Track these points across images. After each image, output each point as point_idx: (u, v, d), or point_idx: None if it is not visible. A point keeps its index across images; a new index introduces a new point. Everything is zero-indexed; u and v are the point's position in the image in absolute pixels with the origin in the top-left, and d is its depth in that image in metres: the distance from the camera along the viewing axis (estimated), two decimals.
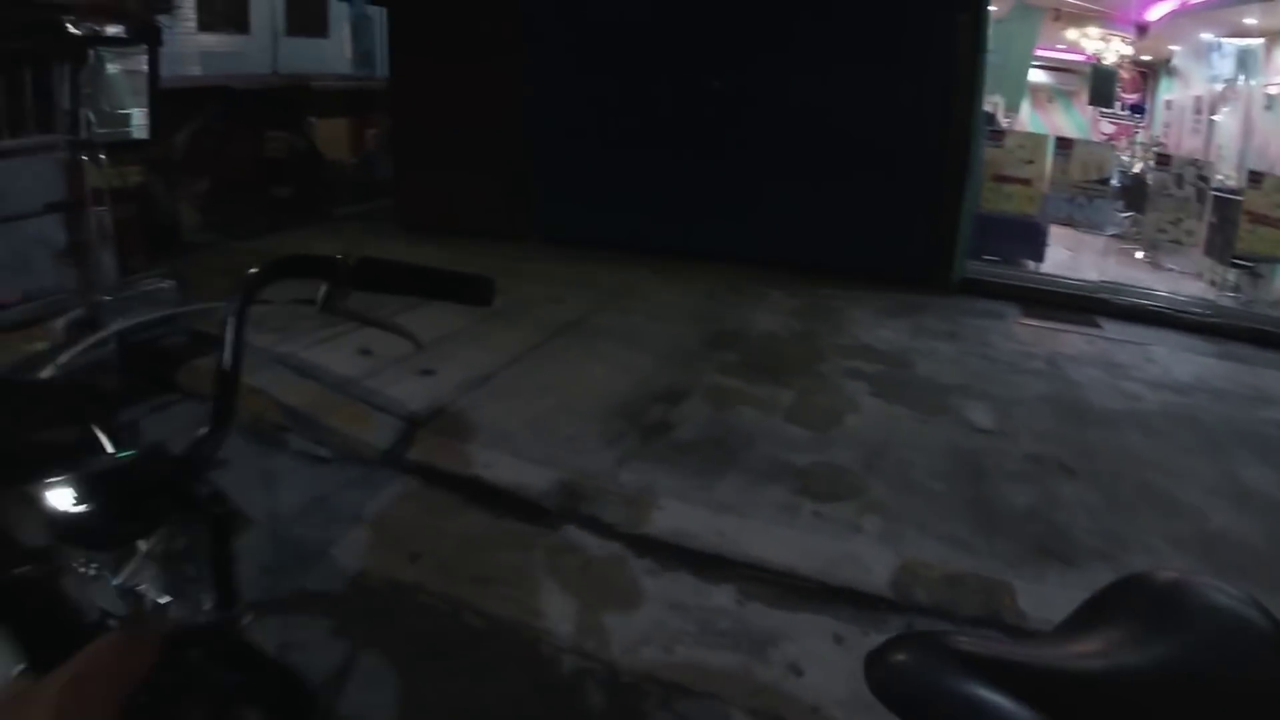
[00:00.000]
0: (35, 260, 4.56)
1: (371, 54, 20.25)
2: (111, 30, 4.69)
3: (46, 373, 4.18)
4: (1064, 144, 7.80)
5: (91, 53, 4.57)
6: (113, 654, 0.69)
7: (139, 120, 4.88)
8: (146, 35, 4.95)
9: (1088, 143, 9.41)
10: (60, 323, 4.55)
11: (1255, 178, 7.21)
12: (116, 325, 4.51)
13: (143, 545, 1.06)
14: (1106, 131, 13.42)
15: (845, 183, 6.90)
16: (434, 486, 3.59)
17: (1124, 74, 12.60)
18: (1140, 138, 12.72)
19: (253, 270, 1.13)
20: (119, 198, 4.71)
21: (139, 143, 4.91)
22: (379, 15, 19.45)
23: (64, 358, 4.28)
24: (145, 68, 4.87)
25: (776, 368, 4.90)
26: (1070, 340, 5.90)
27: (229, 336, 1.06)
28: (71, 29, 4.42)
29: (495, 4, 7.65)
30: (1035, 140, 7.97)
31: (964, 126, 6.72)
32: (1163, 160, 8.79)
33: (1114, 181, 8.13)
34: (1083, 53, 12.41)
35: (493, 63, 7.70)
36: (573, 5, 7.46)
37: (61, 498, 0.87)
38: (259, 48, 17.62)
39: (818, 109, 6.90)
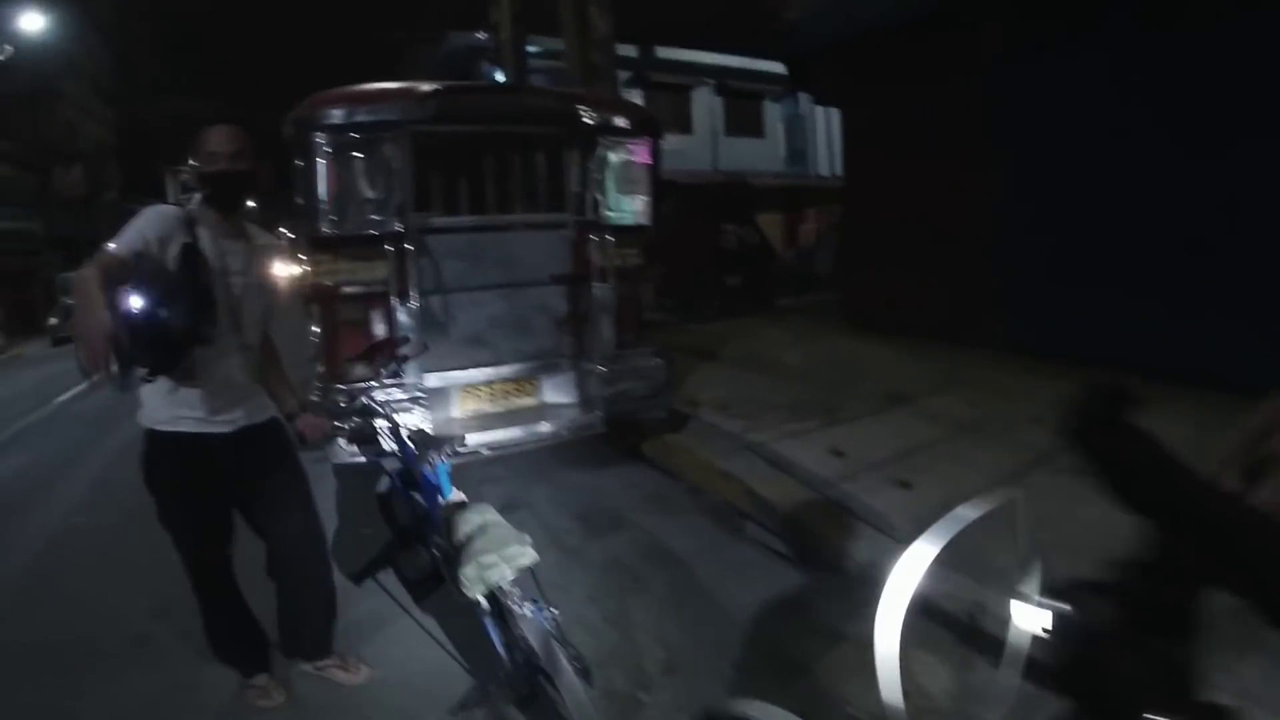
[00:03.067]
0: (536, 325, 4.95)
1: (804, 152, 21.33)
2: (619, 121, 4.99)
3: (544, 430, 4.64)
4: None
5: (600, 141, 4.87)
6: None
7: (639, 207, 5.11)
8: (649, 128, 5.22)
9: None
10: (545, 382, 4.97)
11: None
12: (606, 393, 4.78)
13: None
14: None
15: None
16: (930, 620, 3.24)
17: None
18: None
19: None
20: (620, 277, 4.91)
21: (639, 228, 5.11)
22: (813, 115, 20.57)
23: (559, 425, 4.71)
24: (646, 159, 5.12)
25: None
26: None
27: None
28: (586, 118, 4.76)
29: (965, 107, 7.28)
30: None
31: None
32: None
33: None
34: None
35: (959, 163, 7.23)
36: (1055, 110, 6.78)
37: None
38: (700, 146, 19.53)
39: None
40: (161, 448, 2.48)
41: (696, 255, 10.96)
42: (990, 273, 7.20)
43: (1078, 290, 6.57)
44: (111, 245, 2.22)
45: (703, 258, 11.09)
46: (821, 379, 6.46)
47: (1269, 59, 5.27)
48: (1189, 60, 5.77)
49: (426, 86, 4.29)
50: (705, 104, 19.66)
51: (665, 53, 17.60)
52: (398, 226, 4.26)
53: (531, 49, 10.87)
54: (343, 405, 2.85)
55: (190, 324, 2.30)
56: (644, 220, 5.12)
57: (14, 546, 4.46)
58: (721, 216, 12.40)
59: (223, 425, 2.50)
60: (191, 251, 2.36)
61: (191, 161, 2.47)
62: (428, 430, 2.35)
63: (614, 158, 4.94)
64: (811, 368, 6.97)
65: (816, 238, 16.02)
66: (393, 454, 2.12)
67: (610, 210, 4.94)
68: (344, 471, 2.06)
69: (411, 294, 4.33)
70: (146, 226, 2.31)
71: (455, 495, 2.17)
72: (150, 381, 2.32)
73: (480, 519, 1.98)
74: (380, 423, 2.25)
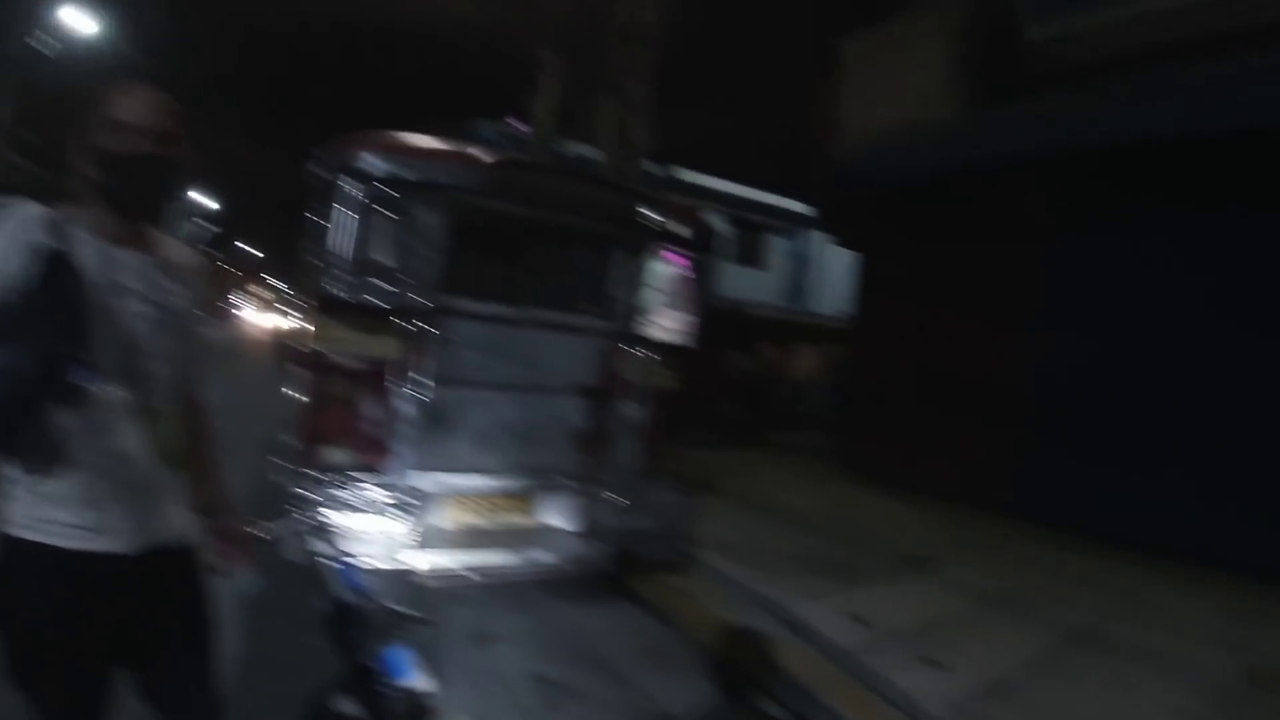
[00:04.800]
0: (549, 437, 4.47)
1: (803, 288, 21.75)
2: (679, 230, 4.58)
3: (541, 559, 4.15)
4: None
5: (656, 248, 4.48)
6: None
7: (684, 326, 4.71)
8: (706, 243, 4.88)
9: None
10: (549, 502, 4.44)
11: None
12: (618, 525, 4.33)
13: None
14: None
15: None
16: None
17: None
18: None
19: None
20: (653, 399, 4.52)
21: (680, 349, 4.70)
22: (817, 253, 21.08)
23: (559, 554, 4.24)
24: (698, 275, 4.76)
25: None
26: None
27: None
28: (645, 220, 4.37)
29: (1007, 271, 7.30)
30: None
31: None
32: None
33: None
34: None
35: (993, 326, 7.20)
36: (1102, 284, 6.81)
37: None
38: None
39: None
40: (23, 563, 1.56)
41: (698, 377, 10.82)
42: (1014, 439, 7.06)
43: (1102, 467, 6.46)
44: None
45: (701, 381, 10.94)
46: (831, 531, 6.17)
47: None
48: (1238, 247, 5.91)
49: (488, 155, 3.94)
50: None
51: (685, 174, 18.06)
52: (418, 303, 3.86)
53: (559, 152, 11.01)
54: (307, 495, 2.34)
55: (47, 371, 1.48)
56: (687, 341, 4.73)
57: None
58: (723, 343, 12.35)
59: (114, 541, 1.60)
60: (60, 264, 1.51)
61: (87, 136, 1.60)
62: (391, 605, 1.78)
63: (662, 267, 4.56)
64: (819, 516, 6.67)
65: (811, 374, 16.00)
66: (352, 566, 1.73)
67: (653, 324, 4.55)
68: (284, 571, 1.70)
69: (417, 381, 3.91)
70: None
71: (419, 681, 1.67)
72: None
73: None
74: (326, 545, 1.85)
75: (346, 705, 1.62)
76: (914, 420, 7.96)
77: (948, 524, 6.65)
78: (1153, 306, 6.45)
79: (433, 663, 1.79)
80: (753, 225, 20.59)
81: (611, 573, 4.53)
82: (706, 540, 5.43)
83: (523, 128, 11.07)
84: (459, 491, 4.25)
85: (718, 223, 19.74)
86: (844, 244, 11.19)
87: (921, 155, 7.76)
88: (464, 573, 3.93)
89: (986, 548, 5.98)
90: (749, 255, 21.14)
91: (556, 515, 4.54)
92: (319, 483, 2.24)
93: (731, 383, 11.51)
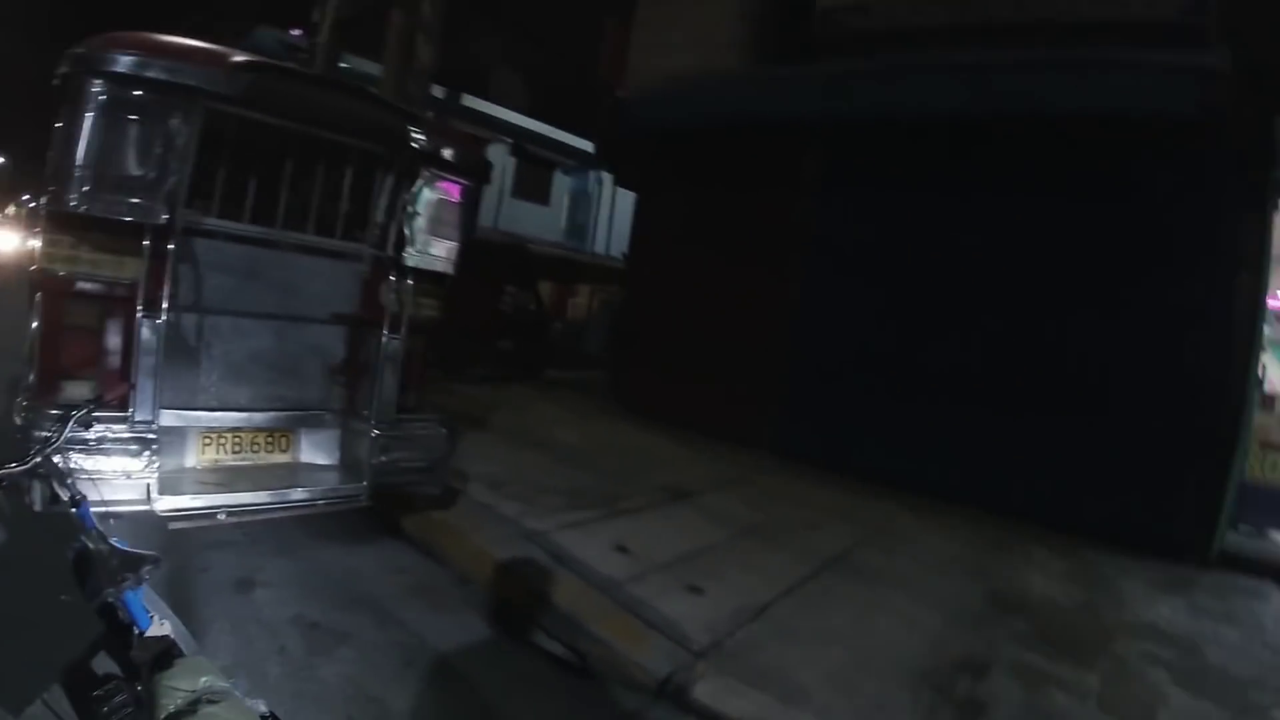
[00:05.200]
0: (305, 369, 4.21)
1: (586, 227, 21.81)
2: (449, 154, 4.24)
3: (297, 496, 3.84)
4: None
5: (423, 172, 4.16)
6: None
7: (447, 254, 4.39)
8: (478, 171, 4.62)
9: None
10: (305, 438, 4.17)
11: None
12: (377, 460, 4.03)
13: None
14: None
15: (1112, 442, 6.20)
16: None
17: None
18: None
19: None
20: (414, 328, 4.25)
21: (443, 277, 4.43)
22: (600, 193, 21.16)
23: (315, 492, 3.91)
24: (466, 202, 4.45)
25: (1072, 644, 4.17)
26: None
27: None
28: (415, 142, 4.01)
29: (776, 218, 7.71)
30: None
31: (1240, 389, 6.04)
32: None
33: None
34: None
35: (762, 271, 7.66)
36: (856, 238, 7.41)
37: None
38: (485, 202, 19.24)
39: (1094, 364, 6.33)
40: None
41: (471, 313, 10.46)
42: (775, 379, 7.57)
43: (855, 408, 7.15)
44: None
45: (478, 316, 10.60)
46: (599, 464, 6.27)
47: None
48: (976, 215, 6.73)
49: (242, 57, 3.44)
50: (498, 161, 19.45)
51: (470, 101, 17.22)
52: (164, 218, 3.33)
53: (342, 65, 10.03)
54: (46, 433, 2.01)
55: None
56: (449, 269, 4.45)
57: None
58: (499, 276, 12.05)
59: None
60: None
61: None
62: (119, 545, 1.59)
63: (431, 194, 4.26)
64: (588, 450, 6.76)
65: (589, 314, 16.18)
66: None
67: (416, 251, 4.23)
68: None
69: (164, 306, 3.40)
70: None
71: (156, 627, 1.49)
72: None
73: (195, 682, 1.32)
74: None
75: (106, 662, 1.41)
76: (683, 359, 8.27)
77: (713, 459, 6.99)
78: (899, 262, 7.15)
79: (187, 608, 1.58)
80: (538, 159, 20.18)
81: (376, 510, 4.29)
82: (475, 475, 5.30)
83: (308, 39, 9.99)
84: (211, 427, 3.89)
85: (502, 154, 19.16)
86: (623, 183, 11.29)
87: (704, 105, 7.92)
88: (218, 514, 3.56)
89: (748, 482, 6.37)
90: (532, 190, 20.77)
91: (316, 451, 4.25)
92: (58, 421, 1.87)
93: (508, 318, 11.29)
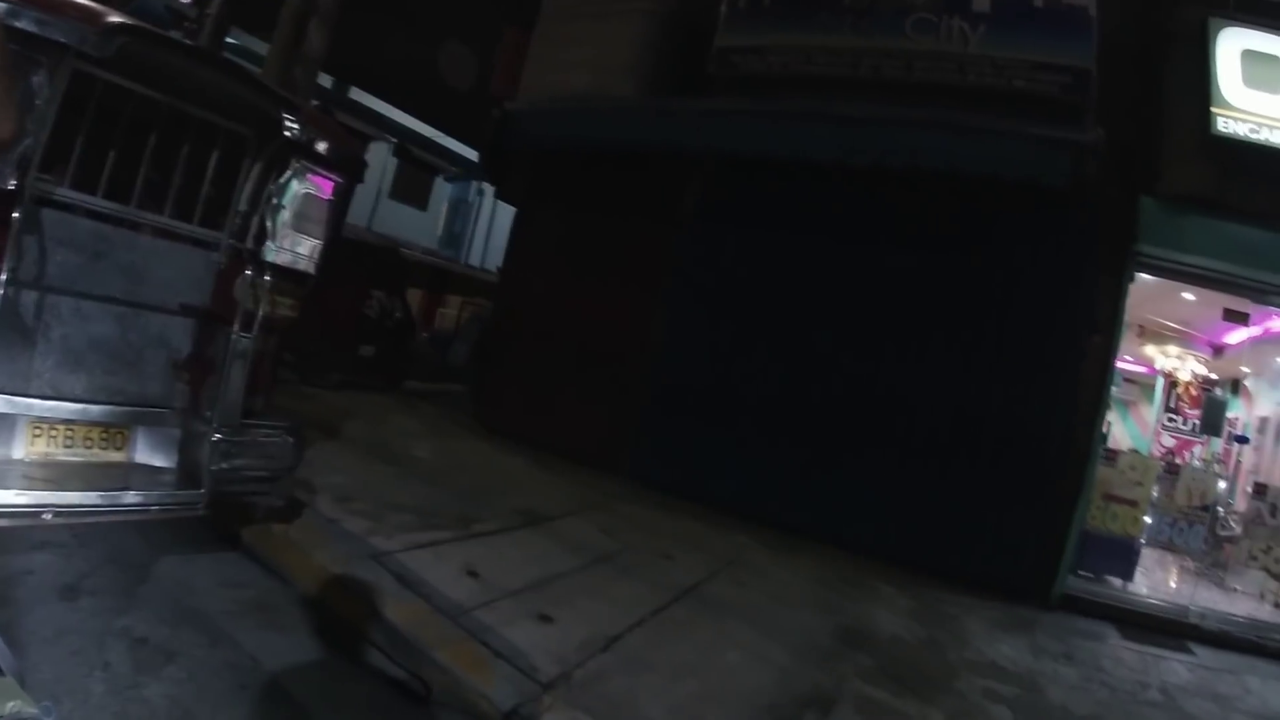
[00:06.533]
0: (148, 362, 3.86)
1: (462, 237, 21.29)
2: (322, 147, 4.02)
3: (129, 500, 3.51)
4: (1171, 469, 7.76)
5: (293, 163, 3.92)
6: None
7: (310, 252, 4.12)
8: (352, 167, 4.40)
9: (1194, 469, 9.28)
10: (142, 436, 3.81)
11: None
12: (217, 466, 3.73)
13: None
14: (1167, 445, 13.31)
15: (962, 486, 6.62)
16: None
17: (1191, 390, 12.71)
18: (1199, 452, 12.56)
19: None
20: (267, 328, 3.97)
21: (303, 276, 4.15)
22: (479, 204, 20.76)
23: (149, 497, 3.60)
24: (335, 199, 4.21)
25: (917, 681, 4.34)
26: (1173, 668, 5.70)
27: None
28: (289, 129, 3.79)
29: (646, 246, 7.82)
30: (1145, 463, 7.82)
31: (1085, 444, 6.59)
32: (1259, 490, 8.65)
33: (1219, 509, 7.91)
34: (1149, 366, 12.62)
35: (629, 297, 7.74)
36: (730, 271, 7.59)
37: None
38: (360, 200, 18.45)
39: (946, 409, 6.75)
40: None
41: (333, 314, 9.88)
42: (637, 407, 7.58)
43: (709, 439, 7.24)
44: None
45: (340, 319, 10.03)
46: (454, 483, 6.11)
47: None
48: (835, 261, 7.07)
49: (119, 18, 3.14)
50: (380, 160, 18.74)
51: (358, 95, 16.52)
52: (12, 184, 3.02)
53: (229, 40, 9.34)
54: None
55: None
56: (311, 269, 4.18)
57: None
58: (367, 278, 11.48)
59: None
60: None
61: None
62: None
63: (300, 186, 4.01)
64: (444, 468, 6.59)
65: (457, 326, 15.68)
66: None
67: (277, 246, 3.97)
68: None
69: (2, 278, 3.07)
70: None
71: None
72: None
73: (1, 707, 1.28)
74: None
75: None
76: (548, 380, 8.23)
77: (571, 484, 6.94)
78: (764, 300, 7.42)
79: (6, 615, 1.41)
80: (421, 163, 19.59)
81: (214, 519, 3.98)
82: (322, 487, 5.00)
83: (196, 7, 9.24)
84: (43, 417, 3.49)
85: (384, 153, 18.47)
86: (504, 197, 11.15)
87: (592, 126, 7.97)
88: (44, 513, 3.21)
89: (605, 508, 6.34)
90: (411, 193, 20.13)
91: (153, 452, 3.90)
92: None
93: (372, 323, 10.74)
